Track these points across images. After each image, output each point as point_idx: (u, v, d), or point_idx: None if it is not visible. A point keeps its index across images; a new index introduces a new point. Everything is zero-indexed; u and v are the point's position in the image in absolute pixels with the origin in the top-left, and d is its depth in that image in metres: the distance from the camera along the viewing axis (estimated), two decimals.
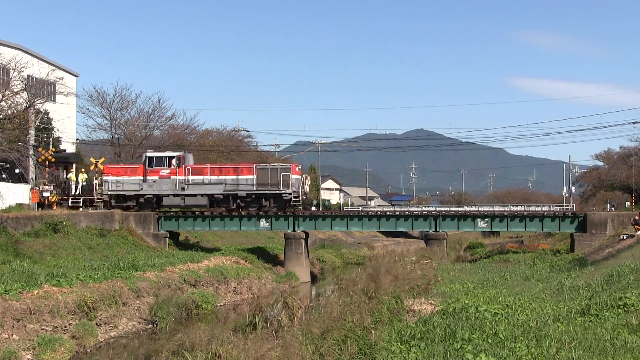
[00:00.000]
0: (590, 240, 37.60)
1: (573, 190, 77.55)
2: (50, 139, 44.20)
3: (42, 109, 43.06)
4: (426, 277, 25.64)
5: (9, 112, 34.81)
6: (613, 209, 57.55)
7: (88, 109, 58.49)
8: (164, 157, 41.18)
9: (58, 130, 49.48)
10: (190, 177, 40.59)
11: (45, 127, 44.58)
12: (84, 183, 41.65)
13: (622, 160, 68.46)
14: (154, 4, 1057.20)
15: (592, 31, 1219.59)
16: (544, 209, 49.15)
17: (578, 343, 12.22)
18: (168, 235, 40.64)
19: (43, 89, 44.41)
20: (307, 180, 42.12)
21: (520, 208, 51.84)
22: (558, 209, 53.15)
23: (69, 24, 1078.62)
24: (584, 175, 78.47)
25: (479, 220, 40.30)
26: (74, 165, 46.16)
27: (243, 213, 40.98)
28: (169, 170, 40.69)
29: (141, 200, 41.05)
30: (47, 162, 39.28)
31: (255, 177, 40.07)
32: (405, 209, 40.81)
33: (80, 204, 40.74)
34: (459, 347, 12.31)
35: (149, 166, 40.87)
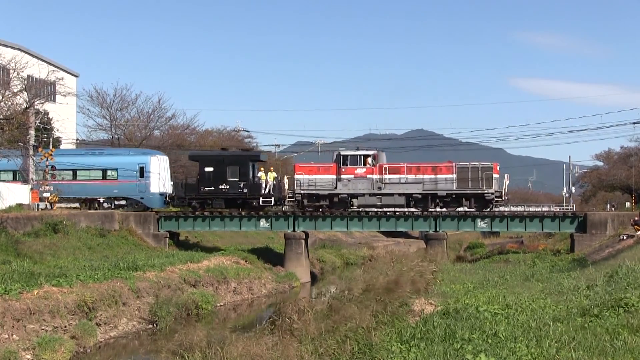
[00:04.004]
0: (590, 241, 37.55)
1: (573, 191, 77.51)
2: (50, 139, 44.21)
3: (42, 109, 43.06)
4: (426, 277, 25.64)
5: (9, 113, 34.78)
6: (613, 209, 57.56)
7: (88, 109, 58.66)
8: (359, 155, 40.35)
9: (58, 130, 49.53)
10: (387, 176, 39.70)
11: (45, 128, 44.60)
12: (274, 182, 40.96)
13: (622, 161, 68.49)
14: (154, 4, 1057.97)
15: (593, 31, 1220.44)
16: (544, 209, 49.17)
17: (578, 343, 12.21)
18: (168, 235, 40.57)
19: (43, 89, 44.40)
20: (506, 180, 40.92)
21: (520, 208, 51.77)
22: (558, 209, 53.15)
23: (69, 24, 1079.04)
24: (584, 176, 78.45)
25: (479, 220, 40.25)
26: (263, 165, 45.17)
27: (243, 213, 40.94)
28: (364, 169, 39.90)
29: (335, 199, 40.30)
30: (47, 162, 39.24)
31: (454, 176, 39.27)
32: (406, 209, 40.71)
33: (272, 203, 40.48)
34: (459, 347, 12.31)
35: (343, 165, 40.07)
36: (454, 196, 39.53)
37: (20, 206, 36.18)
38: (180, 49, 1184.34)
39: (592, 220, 38.59)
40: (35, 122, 39.97)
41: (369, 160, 40.07)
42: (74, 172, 41.25)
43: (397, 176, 39.67)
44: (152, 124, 60.04)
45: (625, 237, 32.86)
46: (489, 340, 12.82)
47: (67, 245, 32.34)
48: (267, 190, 40.40)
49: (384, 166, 40.09)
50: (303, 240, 41.04)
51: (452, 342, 12.80)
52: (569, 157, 77.57)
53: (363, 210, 41.05)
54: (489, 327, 14.13)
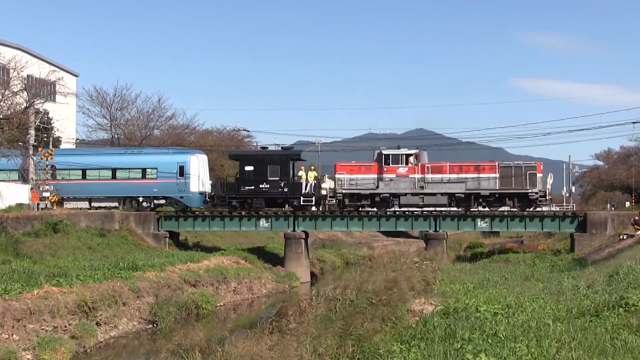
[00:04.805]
0: (590, 240, 37.54)
1: (573, 190, 77.52)
2: (50, 139, 44.23)
3: (42, 109, 43.09)
4: (426, 277, 25.62)
5: (9, 112, 34.81)
6: (613, 208, 57.60)
7: (88, 109, 58.70)
8: (401, 154, 40.12)
9: (58, 130, 49.56)
10: (429, 176, 39.48)
11: (45, 127, 44.62)
12: (315, 181, 40.86)
13: (622, 160, 68.53)
14: (154, 4, 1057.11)
15: (593, 31, 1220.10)
16: (544, 208, 49.09)
17: (578, 343, 12.21)
18: (168, 235, 40.56)
19: (43, 89, 44.44)
20: (549, 179, 40.48)
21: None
22: (558, 209, 53.12)
23: (69, 24, 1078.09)
24: (583, 175, 78.47)
25: (479, 220, 40.24)
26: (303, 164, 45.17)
27: (243, 213, 40.94)
28: (406, 168, 39.72)
29: (377, 199, 40.04)
30: (47, 162, 39.25)
31: (497, 175, 39.11)
32: (406, 209, 40.70)
33: (312, 202, 40.39)
34: (459, 347, 12.30)
35: (385, 164, 39.87)
36: (497, 195, 39.39)
37: (20, 206, 36.18)
38: (180, 49, 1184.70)
39: (592, 220, 38.58)
40: (35, 122, 39.99)
41: (411, 159, 39.90)
42: (113, 171, 41.31)
43: (440, 175, 39.48)
44: (152, 123, 60.07)
45: (625, 237, 32.86)
46: (489, 340, 12.81)
47: (67, 245, 32.34)
48: (307, 190, 40.29)
49: (426, 165, 39.88)
50: (303, 240, 41.03)
51: (452, 342, 12.79)
52: (569, 156, 77.62)
53: (363, 210, 41.05)
54: (489, 327, 14.12)
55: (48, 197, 38.33)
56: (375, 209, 40.42)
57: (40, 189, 38.31)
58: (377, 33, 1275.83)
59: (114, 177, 41.30)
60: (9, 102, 35.40)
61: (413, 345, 12.96)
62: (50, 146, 41.54)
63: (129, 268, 27.48)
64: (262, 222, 40.91)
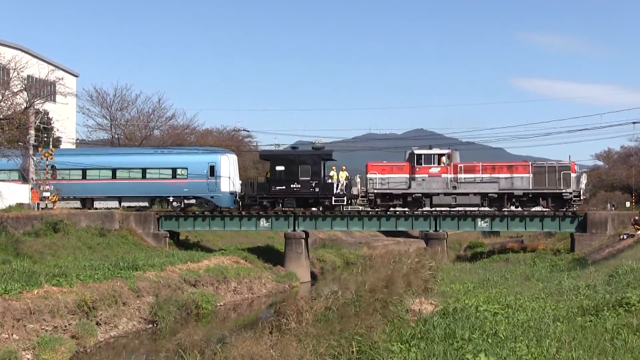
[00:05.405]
0: (590, 240, 37.55)
1: None
2: (50, 139, 44.23)
3: (42, 109, 43.09)
4: (426, 277, 25.61)
5: (9, 112, 34.81)
6: (613, 208, 57.48)
7: (88, 109, 58.68)
8: (433, 154, 40.13)
9: (58, 130, 49.58)
10: (462, 176, 39.49)
11: (45, 127, 44.64)
12: (346, 181, 40.71)
13: (622, 160, 68.49)
14: (154, 4, 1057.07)
15: (593, 31, 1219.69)
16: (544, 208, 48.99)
17: (578, 343, 12.21)
18: (168, 235, 40.59)
19: (43, 89, 44.40)
20: (583, 179, 40.04)
21: (520, 208, 51.66)
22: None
23: (69, 24, 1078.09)
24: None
25: (479, 220, 40.25)
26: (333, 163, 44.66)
27: (243, 213, 40.94)
28: (439, 168, 39.70)
29: (409, 199, 40.00)
30: (47, 162, 39.26)
31: (531, 175, 39.05)
32: (406, 209, 40.70)
33: (344, 202, 40.36)
34: (459, 346, 12.30)
35: (417, 164, 39.83)
36: (530, 195, 39.37)
37: (20, 206, 36.19)
38: (180, 49, 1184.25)
39: (592, 220, 38.58)
40: (35, 122, 40.01)
41: (444, 159, 39.90)
42: (143, 170, 41.37)
43: (472, 175, 39.50)
44: (152, 123, 60.05)
45: (625, 237, 32.87)
46: (489, 340, 12.81)
47: (67, 245, 32.34)
48: (338, 190, 40.26)
49: (459, 165, 39.88)
50: (303, 240, 41.04)
51: (452, 341, 12.79)
52: (569, 156, 77.32)
53: (363, 210, 41.02)
54: (489, 326, 14.12)
55: (48, 197, 38.34)
56: (407, 209, 40.36)
57: (46, 189, 38.24)
58: (377, 33, 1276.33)
59: (144, 176, 41.37)
60: (9, 102, 35.39)
61: (413, 345, 12.95)
62: (51, 146, 41.56)
63: (129, 268, 27.50)
64: (262, 222, 40.92)
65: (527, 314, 15.94)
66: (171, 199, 41.45)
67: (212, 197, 40.88)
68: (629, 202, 59.08)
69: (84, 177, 41.05)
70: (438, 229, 40.51)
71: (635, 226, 33.73)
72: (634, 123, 47.83)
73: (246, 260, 38.01)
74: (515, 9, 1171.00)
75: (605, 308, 15.15)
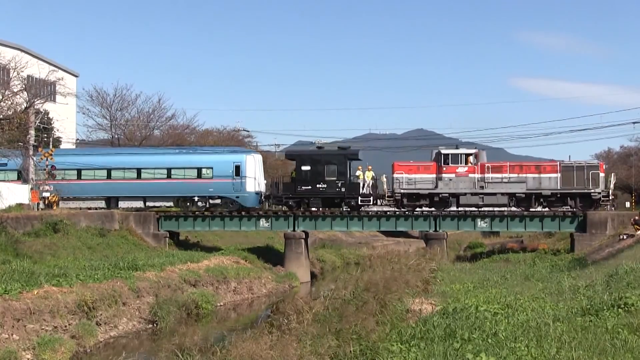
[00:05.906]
0: (590, 240, 37.52)
1: None
2: (50, 139, 44.22)
3: (42, 109, 43.07)
4: (425, 277, 25.62)
5: (9, 113, 34.80)
6: (613, 208, 57.46)
7: (88, 109, 58.69)
8: (460, 154, 39.94)
9: (58, 130, 49.58)
10: (489, 175, 39.26)
11: (45, 127, 44.62)
12: (372, 181, 40.67)
13: (622, 160, 68.45)
14: (154, 4, 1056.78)
15: (593, 31, 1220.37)
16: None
17: (578, 343, 12.21)
18: (168, 235, 40.57)
19: (43, 89, 44.43)
20: (612, 179, 39.87)
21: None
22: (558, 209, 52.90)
23: (69, 24, 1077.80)
24: None
25: (479, 220, 40.23)
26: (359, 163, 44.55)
27: (243, 213, 40.93)
28: (466, 168, 39.48)
29: (435, 199, 39.80)
30: (47, 162, 39.23)
31: (559, 175, 38.86)
32: (405, 209, 40.67)
33: (370, 202, 40.24)
34: (459, 346, 12.29)
35: (444, 163, 39.65)
36: (558, 195, 39.21)
37: (19, 206, 36.17)
38: (180, 49, 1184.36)
39: (592, 220, 38.56)
40: (35, 122, 39.98)
41: (471, 158, 39.74)
42: (168, 170, 41.32)
43: (500, 175, 39.32)
44: (152, 123, 60.09)
45: (625, 237, 32.87)
46: (489, 340, 12.80)
47: (67, 245, 32.34)
48: (364, 190, 40.13)
49: (486, 165, 39.70)
50: (303, 240, 41.02)
51: (452, 341, 12.78)
52: (569, 156, 77.37)
53: (363, 210, 41.01)
54: (489, 326, 14.11)
55: (48, 197, 38.33)
56: (433, 209, 40.22)
57: (46, 190, 38.21)
58: (377, 33, 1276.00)
59: (169, 176, 41.30)
60: (9, 102, 35.38)
61: (413, 345, 12.95)
62: (51, 146, 41.53)
63: (129, 268, 27.49)
64: (262, 222, 40.90)
65: (527, 314, 15.93)
66: (196, 198, 41.32)
67: (237, 197, 40.77)
68: (628, 202, 59.03)
69: (108, 176, 41.10)
70: (438, 229, 40.48)
71: (635, 226, 33.72)
72: (634, 123, 47.81)
73: (246, 261, 38.01)
74: (515, 9, 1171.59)
75: (605, 308, 15.15)
